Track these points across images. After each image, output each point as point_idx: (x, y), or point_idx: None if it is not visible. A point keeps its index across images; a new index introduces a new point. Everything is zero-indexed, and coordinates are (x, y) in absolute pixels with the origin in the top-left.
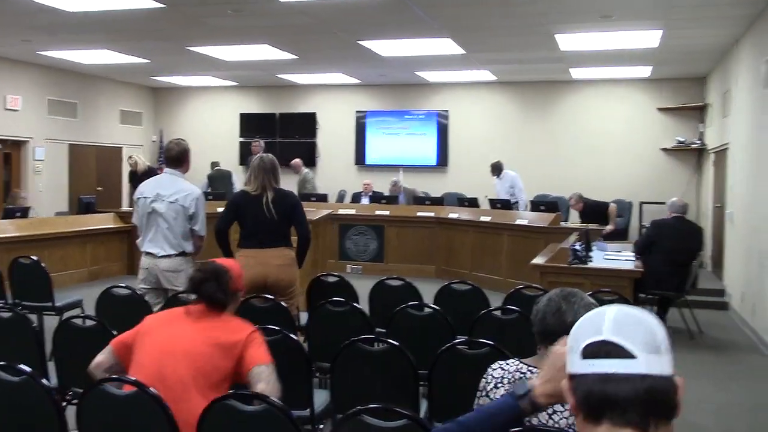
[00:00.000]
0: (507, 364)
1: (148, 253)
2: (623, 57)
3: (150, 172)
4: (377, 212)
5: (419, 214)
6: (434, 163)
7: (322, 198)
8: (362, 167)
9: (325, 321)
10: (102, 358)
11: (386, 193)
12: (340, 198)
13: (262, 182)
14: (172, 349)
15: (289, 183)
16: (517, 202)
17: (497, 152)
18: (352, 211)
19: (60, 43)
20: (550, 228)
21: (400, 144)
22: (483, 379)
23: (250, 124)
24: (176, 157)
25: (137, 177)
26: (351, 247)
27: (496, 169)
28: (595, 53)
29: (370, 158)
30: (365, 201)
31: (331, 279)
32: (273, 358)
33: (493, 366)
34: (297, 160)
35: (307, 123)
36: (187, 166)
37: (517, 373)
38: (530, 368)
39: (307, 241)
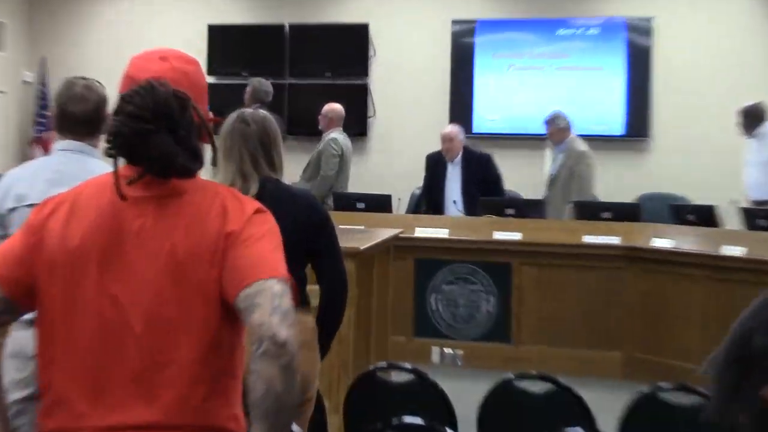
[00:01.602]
0: None
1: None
2: None
3: None
4: (496, 235)
5: (587, 239)
6: (621, 132)
7: (381, 203)
8: (466, 139)
9: None
10: None
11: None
12: (416, 203)
13: (239, 166)
14: (116, 292)
15: (299, 160)
16: None
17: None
18: (443, 233)
19: None
20: None
21: (548, 90)
22: None
23: (230, 50)
24: (86, 118)
25: None
26: (440, 308)
27: (752, 118)
28: None
29: (482, 120)
30: (455, 212)
31: (399, 377)
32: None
33: None
34: (334, 107)
35: (348, 46)
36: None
37: None
38: None
39: (342, 298)
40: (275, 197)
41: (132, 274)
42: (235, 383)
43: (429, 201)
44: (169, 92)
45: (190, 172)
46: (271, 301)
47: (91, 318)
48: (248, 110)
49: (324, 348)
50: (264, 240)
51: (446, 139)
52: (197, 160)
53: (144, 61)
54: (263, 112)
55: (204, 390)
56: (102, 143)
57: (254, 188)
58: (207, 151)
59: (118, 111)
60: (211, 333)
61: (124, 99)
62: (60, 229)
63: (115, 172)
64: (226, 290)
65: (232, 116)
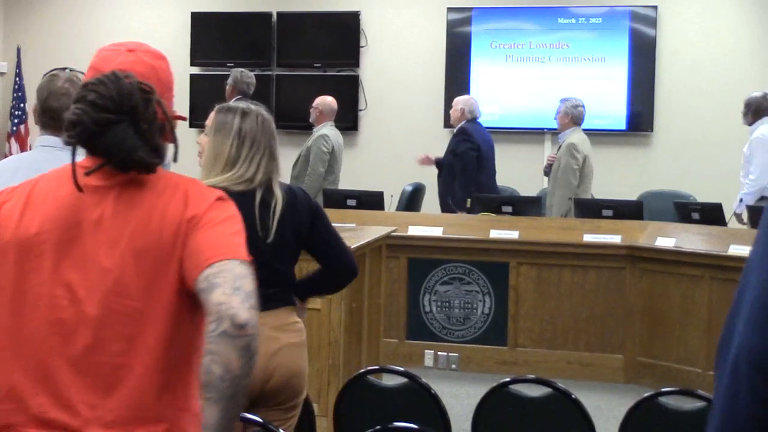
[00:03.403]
0: None
1: None
2: None
3: None
4: (493, 234)
5: (588, 238)
6: (623, 127)
7: (373, 200)
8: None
9: None
10: None
11: (519, 181)
12: (410, 201)
13: (267, 163)
14: (72, 279)
15: (288, 155)
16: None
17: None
18: (437, 231)
19: None
20: None
21: (547, 82)
22: None
23: (214, 39)
24: None
25: None
26: (434, 309)
27: (753, 110)
28: None
29: (480, 114)
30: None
31: (391, 380)
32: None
33: None
34: (325, 100)
35: (339, 35)
36: None
37: None
38: None
39: (346, 280)
40: (290, 197)
41: (90, 263)
42: (193, 378)
43: None
44: (134, 84)
45: (149, 166)
46: (232, 282)
47: (44, 307)
48: (254, 105)
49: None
50: (225, 223)
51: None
52: (158, 156)
53: (110, 52)
54: (263, 110)
55: (161, 383)
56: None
57: (279, 189)
58: (170, 150)
59: (79, 99)
60: (173, 324)
61: (87, 87)
62: (15, 218)
63: (73, 162)
64: (186, 274)
65: (252, 114)
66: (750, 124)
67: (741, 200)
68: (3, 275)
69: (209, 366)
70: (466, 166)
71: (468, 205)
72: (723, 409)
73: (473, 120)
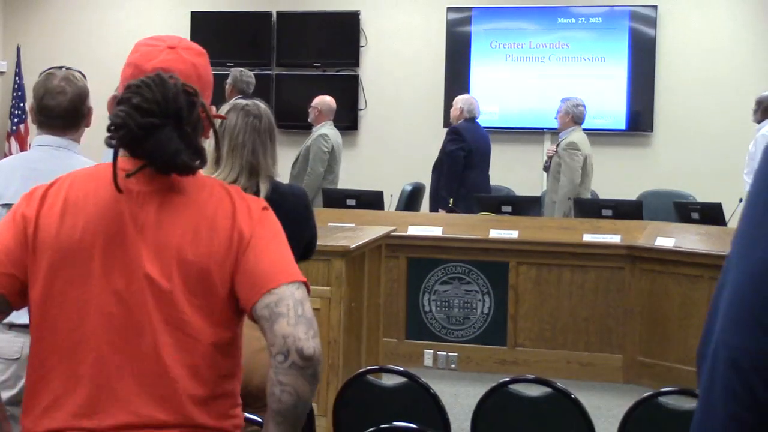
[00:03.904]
0: None
1: (14, 326)
2: None
3: None
4: (492, 234)
5: (587, 238)
6: (623, 126)
7: (373, 199)
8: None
9: None
10: None
11: (515, 183)
12: (409, 200)
13: (250, 162)
14: (119, 286)
15: (286, 155)
16: None
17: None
18: (437, 231)
19: None
20: None
21: (547, 82)
22: None
23: (214, 38)
24: (64, 111)
25: None
26: (433, 309)
27: (763, 108)
28: None
29: (479, 114)
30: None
31: (390, 380)
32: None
33: None
34: (324, 100)
35: (338, 34)
36: (83, 129)
37: None
38: None
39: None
40: (283, 194)
41: (136, 271)
42: (236, 383)
43: None
44: (179, 87)
45: (191, 169)
46: (294, 310)
47: (96, 315)
48: (250, 102)
49: None
50: (275, 240)
51: None
52: (199, 158)
53: (151, 48)
54: (263, 103)
55: (205, 392)
56: (82, 137)
57: (265, 189)
58: (209, 148)
59: (123, 101)
60: (218, 335)
61: (131, 89)
62: (55, 222)
63: (114, 165)
64: (243, 297)
65: (237, 109)
66: (759, 121)
67: (741, 200)
68: (47, 281)
69: (281, 395)
70: (452, 166)
71: (451, 204)
72: (702, 407)
73: (471, 119)
